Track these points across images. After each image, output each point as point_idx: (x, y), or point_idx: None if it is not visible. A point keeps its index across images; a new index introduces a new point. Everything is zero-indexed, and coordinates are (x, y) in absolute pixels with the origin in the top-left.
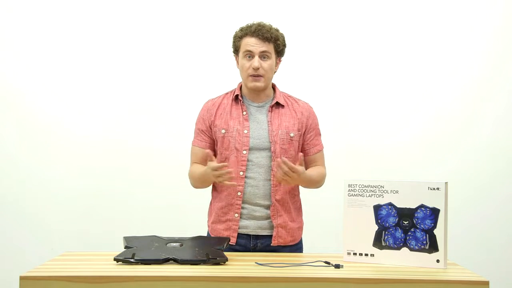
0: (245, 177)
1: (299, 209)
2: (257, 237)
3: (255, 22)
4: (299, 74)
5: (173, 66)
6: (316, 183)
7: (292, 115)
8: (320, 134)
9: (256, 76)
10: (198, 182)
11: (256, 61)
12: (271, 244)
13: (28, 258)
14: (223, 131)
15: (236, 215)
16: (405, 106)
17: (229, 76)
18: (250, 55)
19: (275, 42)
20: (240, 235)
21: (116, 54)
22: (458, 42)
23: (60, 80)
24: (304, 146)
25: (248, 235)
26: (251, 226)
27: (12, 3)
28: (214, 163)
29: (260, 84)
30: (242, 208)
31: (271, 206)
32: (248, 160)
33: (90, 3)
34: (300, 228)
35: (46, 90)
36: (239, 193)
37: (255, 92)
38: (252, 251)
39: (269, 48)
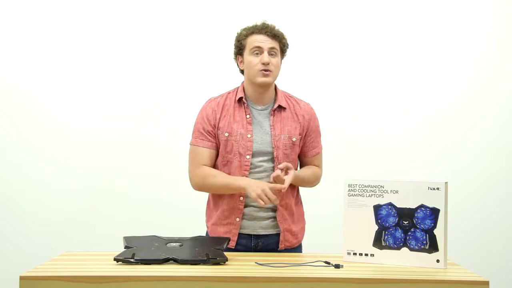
0: None
1: (300, 207)
2: (258, 236)
3: (258, 22)
4: (299, 73)
5: (173, 66)
6: (309, 183)
7: (294, 119)
8: (320, 135)
9: (265, 71)
10: (216, 188)
11: (266, 56)
12: (279, 249)
13: (28, 258)
14: (226, 134)
15: (238, 219)
16: (405, 106)
17: (229, 75)
18: (258, 51)
19: (280, 40)
20: (241, 235)
21: (116, 54)
22: (458, 42)
23: (60, 80)
24: (303, 148)
25: (249, 235)
26: (253, 227)
27: (13, 4)
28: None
29: (269, 79)
30: (245, 208)
31: (277, 211)
32: (250, 164)
33: (90, 4)
34: (303, 229)
35: (46, 90)
36: (241, 198)
37: (261, 91)
38: (253, 251)
39: (276, 45)
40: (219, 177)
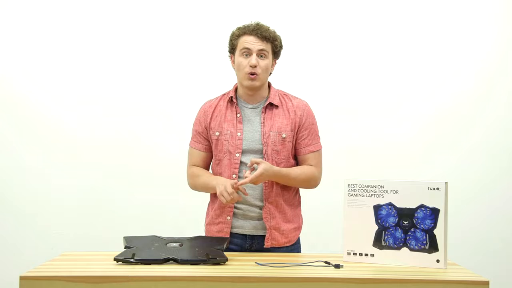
0: (238, 178)
1: (296, 208)
2: (252, 237)
3: (253, 22)
4: (298, 73)
5: (172, 66)
6: (299, 182)
7: (286, 115)
8: (316, 134)
9: (253, 74)
10: (200, 187)
11: (253, 59)
12: (264, 246)
13: (28, 258)
14: (217, 133)
15: (228, 217)
16: (405, 106)
17: (228, 76)
18: (247, 53)
19: (272, 42)
20: (236, 235)
21: (116, 54)
22: (458, 42)
23: (60, 80)
24: (296, 145)
25: (244, 235)
26: (246, 226)
27: (14, 4)
28: (231, 189)
29: (256, 83)
30: (237, 208)
31: (263, 208)
32: (241, 163)
33: (91, 3)
34: (297, 229)
35: (46, 90)
36: None
37: (250, 92)
38: (248, 251)
39: (267, 47)
40: (201, 177)
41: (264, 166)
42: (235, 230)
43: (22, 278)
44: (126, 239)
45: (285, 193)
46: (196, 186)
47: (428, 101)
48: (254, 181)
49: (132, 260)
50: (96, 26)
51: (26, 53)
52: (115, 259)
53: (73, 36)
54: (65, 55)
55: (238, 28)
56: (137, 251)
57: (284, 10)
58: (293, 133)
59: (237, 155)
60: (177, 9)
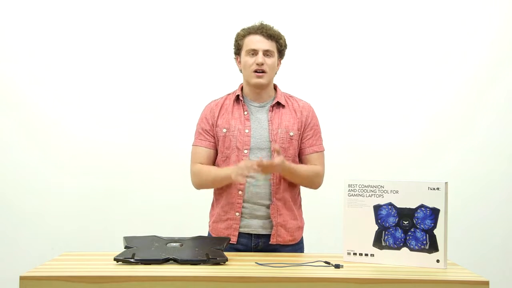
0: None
1: (299, 208)
2: (258, 236)
3: (257, 23)
4: (300, 74)
5: (174, 66)
6: (306, 178)
7: (292, 115)
8: (320, 136)
9: (259, 72)
10: (210, 181)
11: (260, 57)
12: (270, 243)
13: (28, 258)
14: (224, 130)
15: (237, 213)
16: (405, 106)
17: (231, 77)
18: (253, 52)
19: (277, 41)
20: (242, 234)
21: (117, 54)
22: (458, 42)
23: (60, 80)
24: (301, 145)
25: (250, 234)
26: (253, 225)
27: (14, 3)
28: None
29: (263, 80)
30: (244, 207)
31: (271, 204)
32: (249, 159)
33: (92, 3)
34: (301, 228)
35: (46, 90)
36: (240, 192)
37: (257, 91)
38: (254, 250)
39: (272, 46)
40: (211, 171)
41: (282, 157)
42: (241, 230)
43: (22, 278)
44: (126, 239)
45: (291, 189)
46: (204, 181)
47: (428, 101)
48: (270, 167)
49: (132, 260)
50: (97, 26)
51: (27, 53)
52: (115, 259)
53: (74, 35)
54: (66, 55)
55: (243, 29)
56: (137, 251)
57: (287, 10)
58: (299, 132)
59: (245, 151)
60: (179, 9)
